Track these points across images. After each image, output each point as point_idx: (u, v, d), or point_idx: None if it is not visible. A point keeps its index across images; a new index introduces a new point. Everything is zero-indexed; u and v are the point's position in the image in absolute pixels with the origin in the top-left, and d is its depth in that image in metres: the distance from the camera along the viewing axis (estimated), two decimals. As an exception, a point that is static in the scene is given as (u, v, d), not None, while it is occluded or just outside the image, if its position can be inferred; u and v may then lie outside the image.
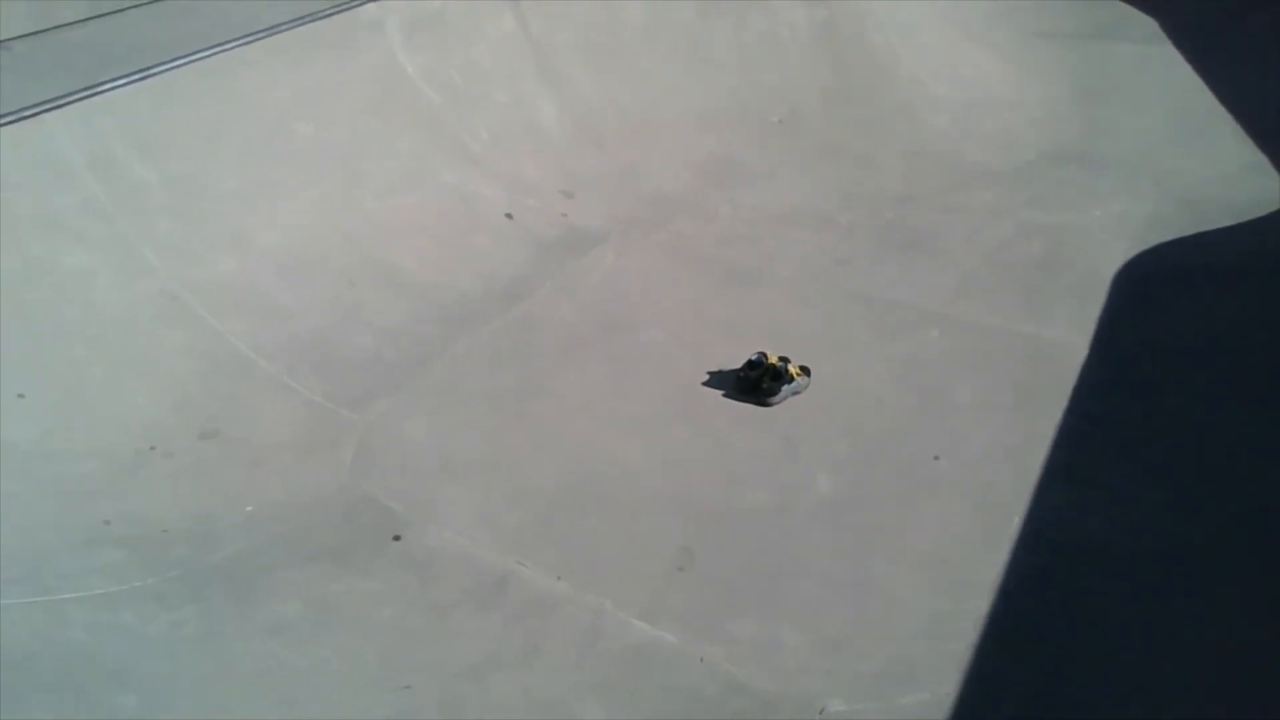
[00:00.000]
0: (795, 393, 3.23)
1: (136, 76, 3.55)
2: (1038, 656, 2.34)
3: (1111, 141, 5.05)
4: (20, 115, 3.30)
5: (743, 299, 3.82)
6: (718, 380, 3.34)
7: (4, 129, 3.25)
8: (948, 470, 2.93)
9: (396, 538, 2.74)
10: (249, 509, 2.83)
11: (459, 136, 4.44)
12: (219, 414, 3.14)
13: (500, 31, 4.80)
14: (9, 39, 4.00)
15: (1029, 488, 2.84)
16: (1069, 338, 3.48)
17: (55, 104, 3.38)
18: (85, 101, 3.45)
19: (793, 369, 3.21)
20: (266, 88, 3.91)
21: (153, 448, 2.98)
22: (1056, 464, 2.91)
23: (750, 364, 3.26)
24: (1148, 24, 6.06)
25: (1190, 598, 2.44)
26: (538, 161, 4.60)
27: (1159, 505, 2.73)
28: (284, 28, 3.99)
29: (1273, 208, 4.32)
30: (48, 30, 4.10)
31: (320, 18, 4.12)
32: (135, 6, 4.37)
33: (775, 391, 3.19)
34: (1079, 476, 2.86)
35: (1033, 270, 3.94)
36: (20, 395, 2.92)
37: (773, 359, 3.26)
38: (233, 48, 3.83)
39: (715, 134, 5.03)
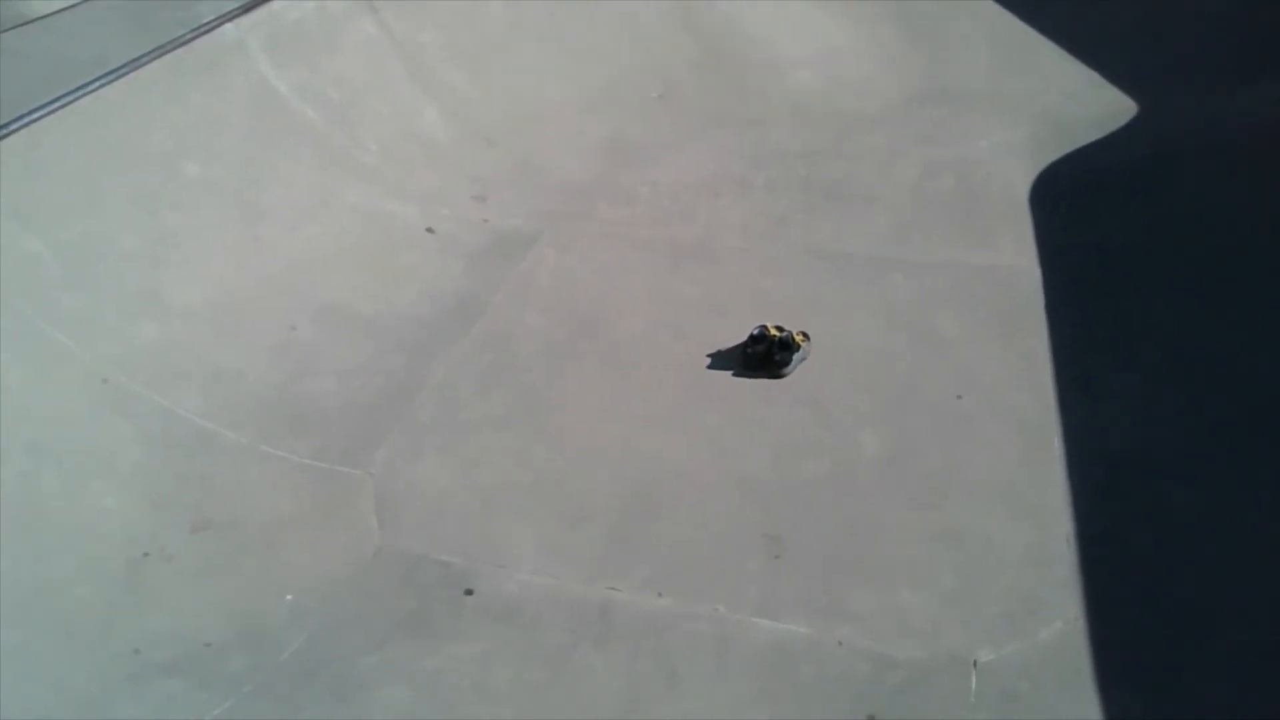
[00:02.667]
0: (803, 359, 3.22)
1: (-5, 135, 3.00)
2: (1136, 565, 2.46)
3: (961, 78, 5.34)
4: None
5: (703, 275, 3.76)
6: (721, 360, 3.28)
7: None
8: (972, 405, 3.02)
9: (469, 592, 2.51)
10: (288, 598, 2.50)
11: (349, 153, 4.09)
12: (204, 501, 2.76)
13: (362, 37, 4.45)
14: None
15: (1051, 407, 2.98)
16: (1018, 261, 3.68)
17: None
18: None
19: (796, 336, 3.20)
20: (142, 130, 3.42)
21: (146, 554, 2.57)
22: (1065, 380, 3.07)
23: (754, 338, 3.22)
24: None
25: (1241, 488, 2.64)
26: (435, 168, 4.32)
27: (1173, 403, 2.93)
28: (144, 60, 3.49)
29: (1127, 116, 4.73)
30: None
31: (180, 44, 3.64)
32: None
33: (788, 362, 3.17)
34: (1091, 389, 3.03)
35: (955, 204, 4.13)
36: (-33, 530, 2.43)
37: (772, 330, 3.23)
38: (95, 88, 3.31)
39: (600, 116, 4.92)
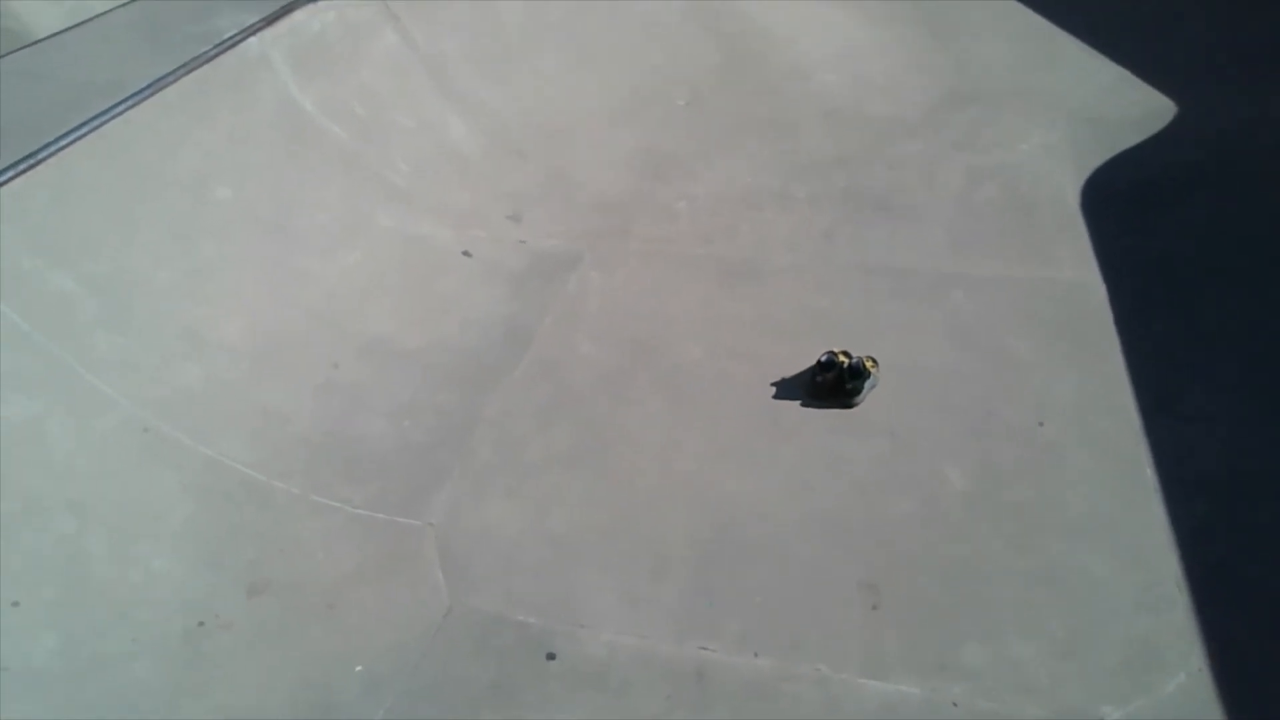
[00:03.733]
0: (873, 387, 3.09)
1: (22, 166, 2.81)
2: (1255, 604, 2.35)
3: (988, 78, 5.20)
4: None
5: (755, 295, 3.62)
6: (787, 389, 3.15)
7: None
8: (1055, 432, 2.90)
9: (551, 656, 2.37)
10: (358, 669, 2.35)
11: (380, 172, 3.91)
12: (259, 560, 2.60)
13: (385, 48, 4.26)
14: None
15: (1137, 432, 2.86)
16: (1080, 274, 3.55)
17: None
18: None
19: (866, 363, 3.07)
20: (171, 153, 3.23)
21: (201, 623, 2.41)
22: (1146, 404, 2.96)
23: (823, 365, 3.09)
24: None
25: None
26: (466, 186, 4.15)
27: (1263, 421, 2.82)
28: (169, 80, 3.30)
29: (1165, 116, 4.61)
30: None
31: (204, 61, 3.45)
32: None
33: (859, 390, 3.04)
34: (1174, 411, 2.92)
35: (1006, 213, 4.00)
36: (15, 603, 2.26)
37: (840, 356, 3.10)
38: (121, 111, 3.12)
39: (628, 127, 4.76)
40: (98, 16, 3.91)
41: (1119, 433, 2.87)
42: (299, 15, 3.91)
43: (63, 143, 2.93)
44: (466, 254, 3.81)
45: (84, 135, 2.99)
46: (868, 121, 4.87)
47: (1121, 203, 3.96)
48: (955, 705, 2.19)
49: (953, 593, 2.45)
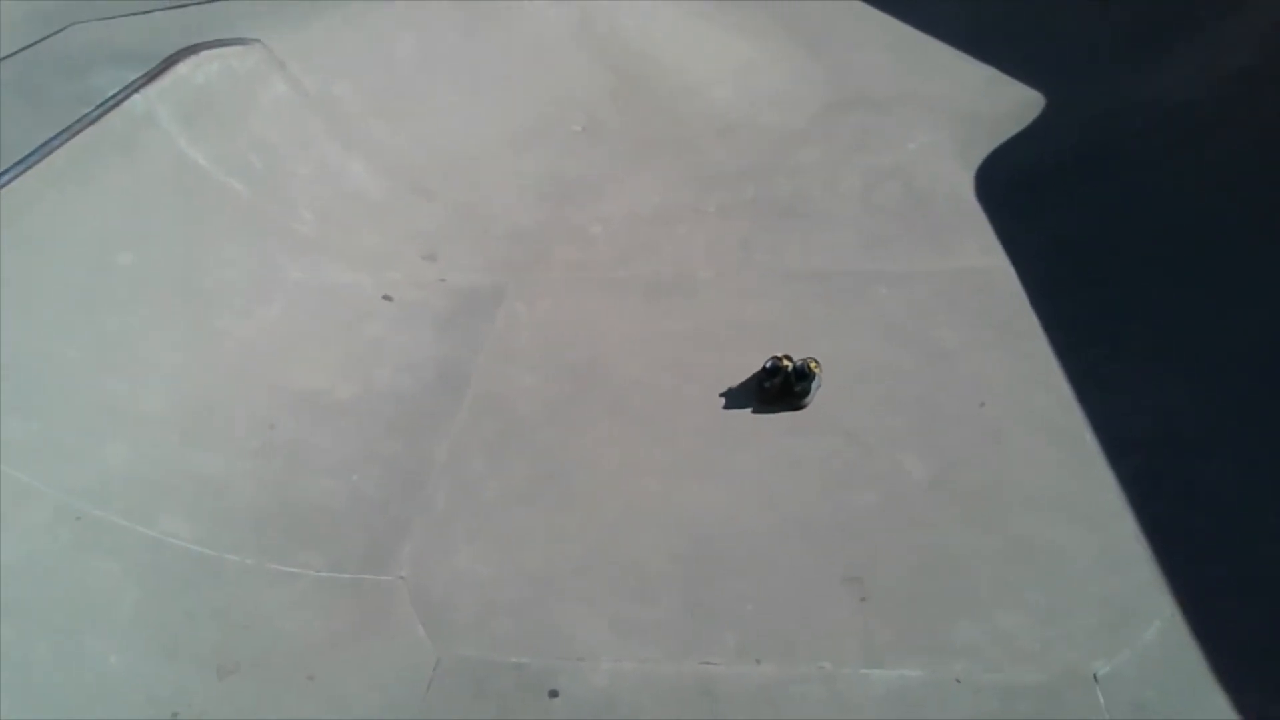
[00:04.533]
0: (819, 387, 3.16)
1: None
2: (1205, 550, 2.50)
3: (869, 86, 5.41)
4: None
5: (684, 310, 3.65)
6: (736, 398, 3.18)
7: None
8: (997, 413, 3.02)
9: (553, 693, 2.31)
10: (353, 736, 2.23)
11: (285, 224, 3.77)
12: (223, 640, 2.44)
13: (274, 97, 4.12)
14: None
15: (1070, 405, 3.01)
16: (988, 262, 3.73)
17: None
18: None
19: (811, 364, 3.13)
20: (65, 222, 3.03)
21: (175, 714, 2.25)
22: (1075, 376, 3.12)
23: (769, 371, 3.14)
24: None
25: (1273, 456, 2.72)
26: (375, 229, 4.04)
27: (1180, 382, 3.01)
28: (55, 144, 3.10)
29: (1036, 108, 4.92)
30: None
31: (90, 123, 3.25)
32: None
33: (807, 391, 3.10)
34: (1100, 382, 3.07)
35: (908, 210, 4.16)
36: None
37: (784, 361, 3.15)
38: (6, 181, 2.91)
39: (530, 155, 4.74)
40: (-44, 81, 3.64)
41: (1054, 407, 3.01)
42: (182, 69, 3.75)
43: (-54, 219, 2.70)
44: (387, 298, 3.71)
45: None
46: (762, 132, 5.00)
47: (1012, 192, 4.19)
48: (959, 681, 2.25)
49: (933, 577, 2.52)
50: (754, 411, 3.12)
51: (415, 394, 3.28)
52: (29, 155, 3.01)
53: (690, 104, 5.25)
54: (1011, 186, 4.24)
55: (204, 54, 3.88)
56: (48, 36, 4.04)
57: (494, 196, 4.41)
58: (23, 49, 3.91)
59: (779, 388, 3.12)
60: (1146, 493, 2.67)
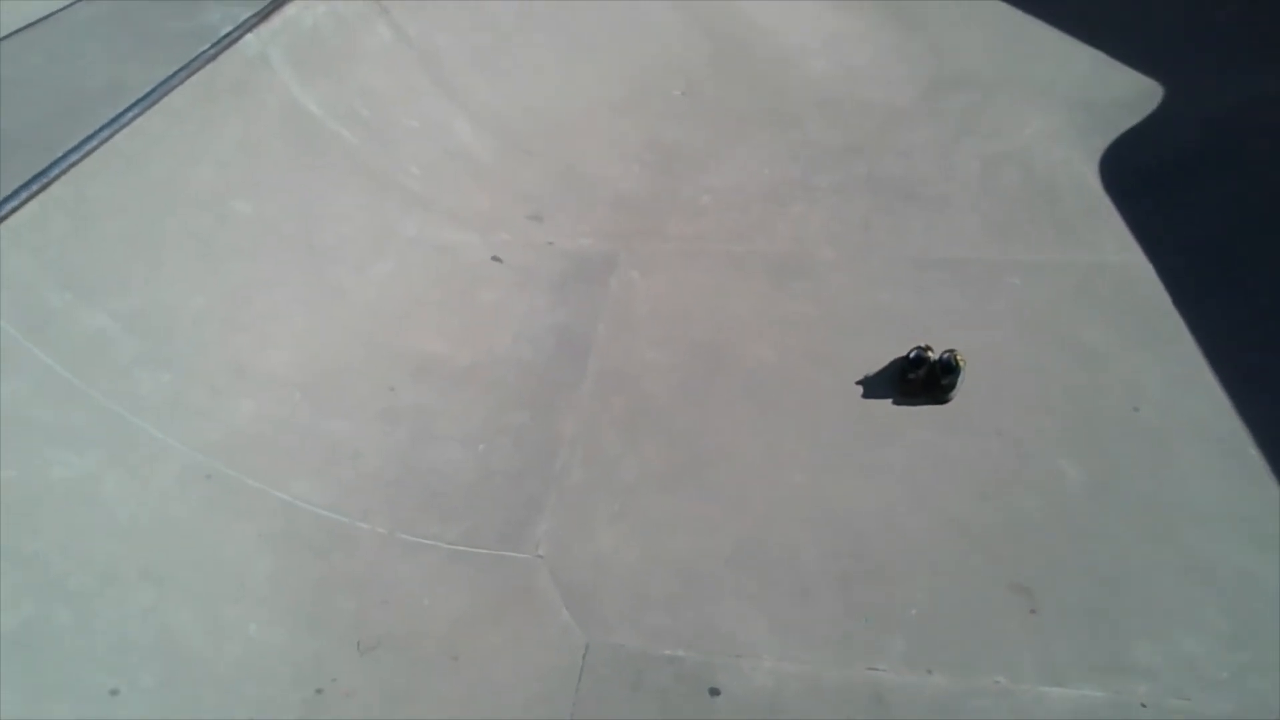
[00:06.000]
0: (961, 382, 3.01)
1: (34, 188, 2.43)
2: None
3: (971, 66, 5.23)
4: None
5: (810, 292, 3.50)
6: (875, 387, 3.05)
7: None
8: (1153, 418, 2.89)
9: (715, 691, 2.20)
10: (503, 726, 2.13)
11: (395, 178, 3.62)
12: (361, 612, 2.33)
13: (380, 44, 3.95)
14: None
15: (1232, 414, 2.87)
16: (1126, 257, 3.57)
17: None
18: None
19: (958, 358, 2.99)
20: (186, 167, 2.89)
21: (319, 691, 2.14)
22: (1233, 384, 2.97)
23: (914, 362, 3.00)
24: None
25: None
26: (482, 188, 3.89)
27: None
28: (172, 84, 2.94)
29: (1154, 97, 4.72)
30: None
31: (206, 61, 3.09)
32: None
33: (954, 385, 2.96)
34: (1262, 392, 2.93)
35: (1032, 199, 3.99)
36: (113, 691, 1.95)
37: (927, 352, 3.01)
38: (129, 120, 2.76)
39: (630, 120, 4.57)
40: (60, 11, 3.47)
41: (1214, 414, 2.87)
42: (290, 9, 3.58)
43: (71, 159, 2.56)
44: (497, 259, 3.57)
45: (93, 149, 2.62)
46: (865, 109, 4.82)
47: (1140, 184, 4.01)
48: (1144, 706, 2.13)
49: (1105, 591, 2.39)
50: (895, 403, 2.99)
51: (537, 363, 3.15)
52: (147, 94, 2.85)
53: (787, 75, 5.08)
54: (1139, 179, 4.06)
55: (312, -5, 3.70)
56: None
57: (596, 160, 4.25)
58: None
59: (923, 380, 2.98)
60: (1323, 511, 2.53)
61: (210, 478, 2.42)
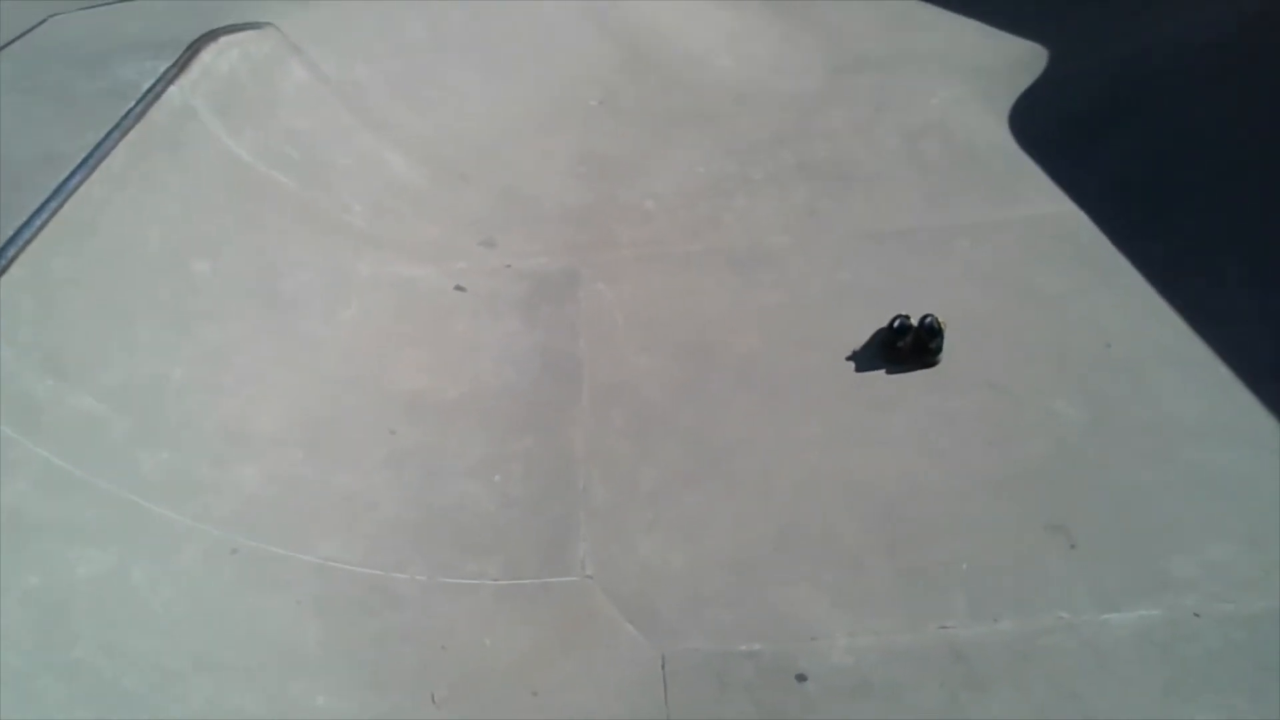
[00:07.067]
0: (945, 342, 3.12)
1: (-4, 264, 2.25)
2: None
3: (865, 46, 5.44)
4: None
5: (775, 279, 3.56)
6: (865, 360, 3.12)
7: None
8: (1126, 351, 3.05)
9: (801, 678, 2.21)
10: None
11: (340, 218, 3.51)
12: (424, 665, 2.24)
13: (295, 84, 3.82)
14: None
15: (1189, 334, 3.06)
16: (1060, 208, 3.78)
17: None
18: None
19: (940, 321, 3.09)
20: (136, 230, 2.72)
21: (406, 752, 2.04)
22: (1185, 307, 3.17)
23: (899, 330, 3.08)
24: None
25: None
26: (427, 218, 3.81)
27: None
28: (108, 144, 2.77)
29: (1040, 59, 5.02)
30: None
31: (136, 120, 2.92)
32: None
33: (940, 348, 3.06)
34: (1214, 315, 3.13)
35: (959, 164, 4.18)
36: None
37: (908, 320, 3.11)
38: (74, 187, 2.58)
39: (557, 134, 4.55)
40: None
41: (1177, 340, 3.06)
42: (205, 57, 3.41)
43: (25, 235, 2.37)
44: (460, 288, 3.49)
45: (45, 222, 2.43)
46: (779, 100, 4.94)
47: (1055, 138, 4.25)
48: (1197, 616, 2.25)
49: (1130, 516, 2.51)
50: (888, 373, 3.07)
51: (526, 387, 3.10)
52: (87, 158, 2.67)
53: (698, 75, 5.16)
54: (1050, 135, 4.30)
55: (222, 40, 3.55)
56: (33, 28, 3.62)
57: (532, 179, 4.21)
58: (10, 42, 3.48)
59: (911, 346, 3.07)
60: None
61: (235, 552, 2.28)
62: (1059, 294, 3.33)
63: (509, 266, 3.68)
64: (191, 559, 2.20)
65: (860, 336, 3.20)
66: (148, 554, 2.14)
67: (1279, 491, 2.53)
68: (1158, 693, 2.10)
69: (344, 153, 3.77)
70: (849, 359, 3.13)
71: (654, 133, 4.61)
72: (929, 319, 3.08)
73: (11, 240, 2.33)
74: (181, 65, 3.27)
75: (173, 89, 3.15)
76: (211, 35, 3.52)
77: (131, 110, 2.96)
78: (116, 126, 2.85)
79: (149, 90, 3.08)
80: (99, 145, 2.75)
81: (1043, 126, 4.35)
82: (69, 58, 3.41)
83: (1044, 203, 3.82)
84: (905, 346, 3.07)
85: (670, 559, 2.52)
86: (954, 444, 2.78)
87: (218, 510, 2.33)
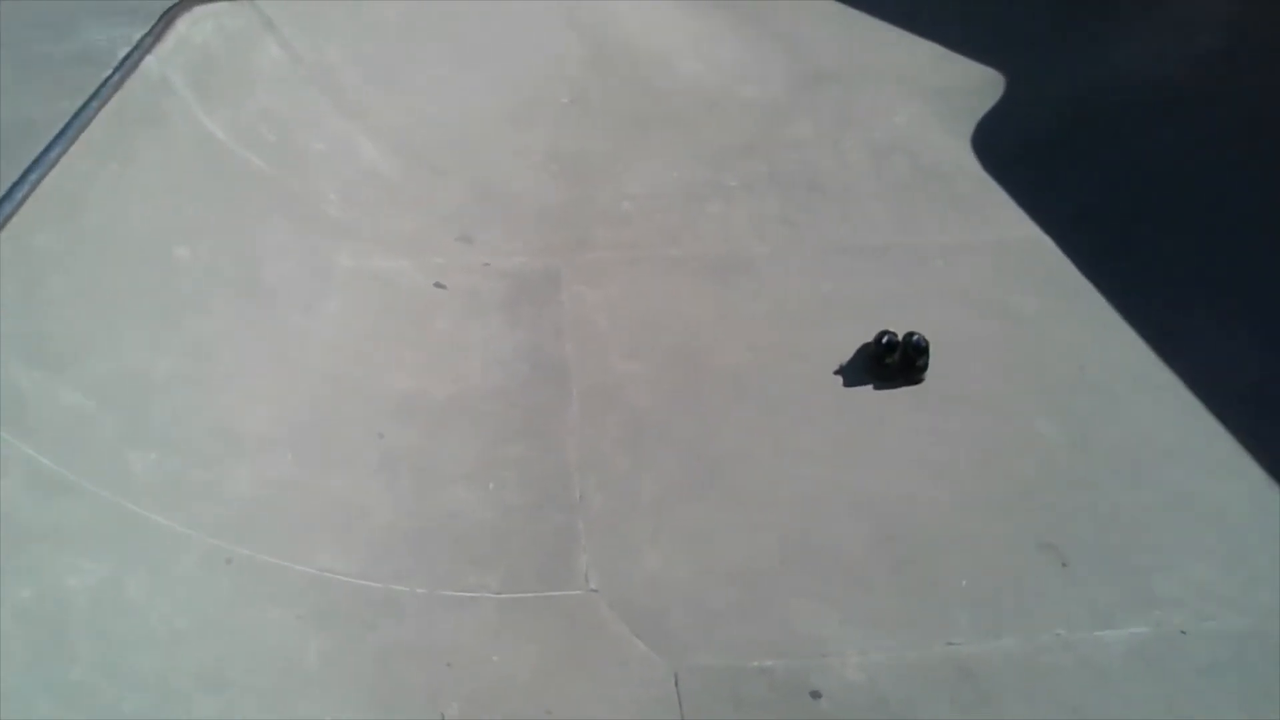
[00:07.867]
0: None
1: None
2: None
3: (825, 59, 5.46)
4: None
5: (756, 288, 3.58)
6: (851, 375, 3.16)
7: None
8: (1100, 375, 3.17)
9: (815, 694, 2.22)
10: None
11: (316, 206, 3.38)
12: (432, 683, 2.17)
13: (270, 61, 3.65)
14: None
15: (1156, 361, 3.19)
16: (1026, 232, 3.90)
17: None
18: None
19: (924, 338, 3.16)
20: (120, 208, 2.55)
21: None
22: (1152, 335, 3.30)
23: (888, 347, 3.13)
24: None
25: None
26: (402, 210, 3.69)
27: (1261, 337, 3.26)
28: (88, 114, 2.59)
29: (999, 83, 5.15)
30: None
31: (114, 90, 2.74)
32: None
33: (927, 365, 3.12)
34: (1180, 340, 3.27)
35: (927, 184, 4.26)
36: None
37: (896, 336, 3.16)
38: (55, 158, 2.40)
39: (529, 130, 4.47)
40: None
41: (1146, 366, 3.19)
42: (180, 26, 3.23)
43: (7, 206, 2.19)
44: (440, 286, 3.39)
45: (25, 194, 2.25)
46: (746, 107, 4.96)
47: (1016, 164, 4.37)
48: (1184, 633, 2.35)
49: (1115, 536, 2.61)
50: (875, 389, 3.11)
51: (515, 390, 3.03)
52: (66, 127, 2.49)
53: (665, 77, 5.13)
54: (1012, 159, 4.43)
55: (196, 10, 3.36)
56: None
57: (506, 175, 4.13)
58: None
59: (899, 363, 3.12)
60: (1266, 441, 2.87)
61: (230, 562, 2.16)
62: (1032, 316, 3.43)
63: (488, 265, 3.59)
64: (187, 569, 2.07)
65: (845, 350, 3.24)
66: (142, 564, 2.00)
67: (1249, 513, 2.66)
68: (1159, 709, 2.17)
69: (317, 137, 3.63)
70: (836, 373, 3.16)
71: (626, 134, 4.57)
72: (916, 336, 3.13)
73: (-8, 213, 2.15)
74: (157, 35, 3.08)
75: (149, 59, 2.97)
76: (185, 4, 3.32)
77: (109, 80, 2.77)
78: (95, 96, 2.66)
79: (125, 59, 2.89)
80: (77, 115, 2.56)
81: (1004, 151, 4.48)
82: (28, 15, 3.16)
83: (1013, 227, 3.93)
84: (894, 363, 3.11)
85: (675, 571, 2.50)
86: (946, 461, 2.84)
87: (210, 516, 2.20)
